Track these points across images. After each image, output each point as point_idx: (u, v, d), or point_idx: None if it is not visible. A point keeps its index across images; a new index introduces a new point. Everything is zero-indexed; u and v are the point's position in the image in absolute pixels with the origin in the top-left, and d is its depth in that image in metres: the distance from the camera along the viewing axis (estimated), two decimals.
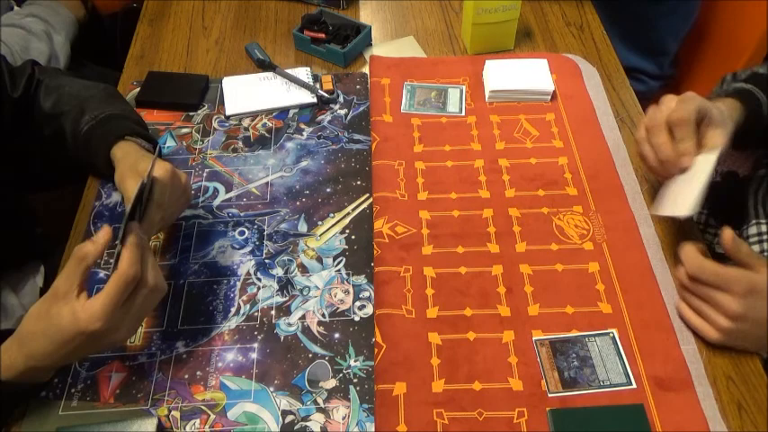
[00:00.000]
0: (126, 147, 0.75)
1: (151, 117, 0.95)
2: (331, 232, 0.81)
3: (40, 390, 0.67)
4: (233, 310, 0.74)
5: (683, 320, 0.70)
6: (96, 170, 0.82)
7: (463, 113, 0.93)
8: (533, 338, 0.69)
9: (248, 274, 0.77)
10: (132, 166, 0.72)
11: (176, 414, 0.65)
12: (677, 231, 0.79)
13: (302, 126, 0.93)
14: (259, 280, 0.76)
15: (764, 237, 0.79)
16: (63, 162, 0.82)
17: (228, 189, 0.86)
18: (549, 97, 0.93)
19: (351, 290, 0.75)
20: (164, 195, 0.69)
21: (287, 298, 0.74)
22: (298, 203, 0.84)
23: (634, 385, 0.65)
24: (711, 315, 0.66)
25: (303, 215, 0.82)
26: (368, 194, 0.84)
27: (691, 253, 0.67)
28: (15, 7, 1.12)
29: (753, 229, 0.81)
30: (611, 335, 0.69)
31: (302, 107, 0.96)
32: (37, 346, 0.59)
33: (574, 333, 0.69)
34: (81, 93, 0.81)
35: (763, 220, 0.80)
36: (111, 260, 0.61)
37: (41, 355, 0.60)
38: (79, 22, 1.19)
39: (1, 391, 0.60)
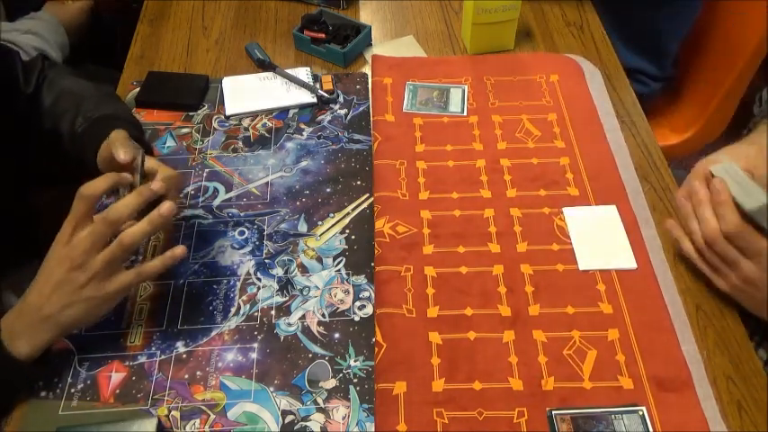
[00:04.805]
0: None
1: (151, 117, 0.95)
2: (331, 232, 0.81)
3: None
4: (233, 310, 0.73)
5: (698, 265, 0.70)
6: (89, 170, 0.83)
7: (465, 113, 0.93)
8: (553, 412, 0.63)
9: (248, 274, 0.77)
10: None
11: (176, 414, 0.65)
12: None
13: (302, 126, 0.93)
14: (259, 280, 0.76)
15: None
16: (61, 159, 0.82)
17: (228, 189, 0.86)
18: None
19: (351, 290, 0.75)
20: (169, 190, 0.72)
21: (287, 298, 0.74)
22: (298, 203, 0.84)
23: None
24: (725, 271, 0.67)
25: (303, 215, 0.82)
26: (368, 194, 0.84)
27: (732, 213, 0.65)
28: (22, 19, 1.11)
29: None
30: (641, 413, 0.63)
31: (302, 107, 0.96)
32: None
33: (598, 408, 0.63)
34: (78, 93, 0.81)
35: None
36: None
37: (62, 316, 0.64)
38: (81, 25, 1.20)
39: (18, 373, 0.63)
